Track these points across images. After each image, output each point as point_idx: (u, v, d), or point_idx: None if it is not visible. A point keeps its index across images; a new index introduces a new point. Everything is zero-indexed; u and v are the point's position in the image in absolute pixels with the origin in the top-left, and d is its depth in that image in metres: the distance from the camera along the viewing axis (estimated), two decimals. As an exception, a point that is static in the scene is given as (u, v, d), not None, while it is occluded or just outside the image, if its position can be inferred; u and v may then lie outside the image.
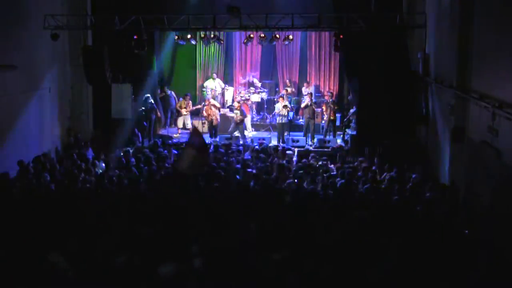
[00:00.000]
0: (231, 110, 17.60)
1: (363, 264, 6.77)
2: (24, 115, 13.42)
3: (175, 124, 18.34)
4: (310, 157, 13.30)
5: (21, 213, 8.68)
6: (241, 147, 14.27)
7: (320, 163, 12.75)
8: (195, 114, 17.92)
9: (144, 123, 16.38)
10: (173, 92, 18.27)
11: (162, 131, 17.65)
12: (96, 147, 14.43)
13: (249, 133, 17.21)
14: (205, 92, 18.85)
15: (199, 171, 10.16)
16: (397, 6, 14.63)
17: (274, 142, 16.21)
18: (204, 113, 17.06)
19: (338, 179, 10.90)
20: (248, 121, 17.31)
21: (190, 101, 17.82)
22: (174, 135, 17.41)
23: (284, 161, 12.67)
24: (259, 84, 18.90)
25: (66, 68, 15.84)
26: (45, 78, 14.53)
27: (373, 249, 7.19)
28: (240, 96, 18.12)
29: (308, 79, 19.24)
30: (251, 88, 18.78)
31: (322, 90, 19.32)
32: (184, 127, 17.63)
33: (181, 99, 17.69)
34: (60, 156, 14.15)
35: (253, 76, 19.10)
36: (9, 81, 12.50)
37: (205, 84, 19.05)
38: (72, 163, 12.40)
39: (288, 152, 13.83)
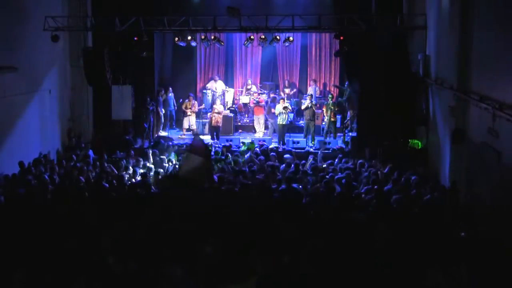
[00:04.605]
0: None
1: (361, 264, 6.77)
2: (25, 117, 13.43)
3: (175, 126, 18.41)
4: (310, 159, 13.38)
5: (21, 214, 8.69)
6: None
7: (325, 165, 12.83)
8: (197, 115, 17.92)
9: (144, 124, 16.38)
10: (172, 94, 18.30)
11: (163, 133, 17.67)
12: (97, 148, 14.46)
13: (257, 134, 17.35)
14: (206, 94, 18.87)
15: (200, 182, 9.64)
16: (397, 8, 14.64)
17: (274, 143, 16.20)
18: (208, 115, 17.29)
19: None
20: (258, 124, 17.41)
21: (195, 101, 17.85)
22: (179, 136, 17.46)
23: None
24: (254, 89, 18.85)
25: (67, 70, 15.86)
26: (45, 79, 14.54)
27: (371, 249, 7.20)
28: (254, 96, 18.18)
29: (314, 78, 19.20)
30: (251, 89, 18.81)
31: (322, 91, 19.32)
32: (189, 128, 17.67)
33: (186, 100, 17.67)
34: (60, 157, 14.16)
35: (252, 82, 19.11)
36: (10, 82, 12.51)
37: (208, 86, 19.09)
38: (72, 165, 12.43)
39: (286, 155, 13.82)
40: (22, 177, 11.37)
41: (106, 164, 12.53)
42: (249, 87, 18.93)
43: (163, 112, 17.78)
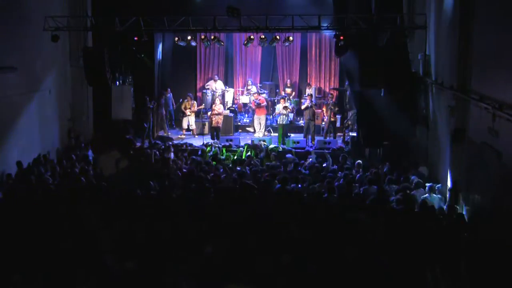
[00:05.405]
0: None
1: (361, 264, 6.77)
2: (25, 117, 13.43)
3: (175, 126, 18.43)
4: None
5: (21, 213, 8.69)
6: None
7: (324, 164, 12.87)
8: (196, 115, 17.93)
9: (144, 124, 16.38)
10: (171, 94, 18.32)
11: (161, 132, 17.66)
12: (97, 148, 14.46)
13: (257, 134, 17.39)
14: (206, 94, 18.89)
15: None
16: (397, 7, 14.60)
17: (274, 143, 16.20)
18: (208, 114, 17.36)
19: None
20: (258, 124, 17.48)
21: (194, 101, 17.89)
22: (179, 136, 17.46)
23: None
24: (254, 89, 18.84)
25: (66, 70, 15.86)
26: (45, 79, 14.55)
27: (370, 250, 7.20)
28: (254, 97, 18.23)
29: (308, 81, 19.26)
30: (251, 90, 18.80)
31: (323, 92, 19.33)
32: (188, 128, 17.68)
33: (185, 100, 17.69)
34: (60, 157, 14.16)
35: (252, 83, 19.10)
36: (10, 82, 12.51)
37: (207, 86, 19.12)
38: (72, 164, 12.43)
39: (288, 155, 13.84)
40: (21, 177, 11.39)
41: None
42: (249, 87, 18.94)
43: (164, 112, 17.80)
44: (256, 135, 17.43)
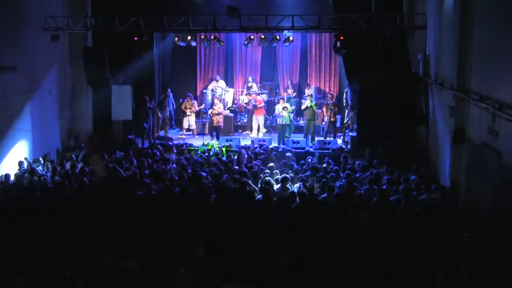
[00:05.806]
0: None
1: (359, 264, 6.78)
2: (25, 117, 13.43)
3: (176, 125, 18.42)
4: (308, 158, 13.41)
5: (21, 214, 8.69)
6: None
7: (324, 165, 12.86)
8: (197, 115, 17.93)
9: (144, 124, 16.38)
10: (171, 94, 18.32)
11: (162, 133, 17.66)
12: (96, 148, 14.45)
13: (253, 133, 17.38)
14: (206, 94, 18.89)
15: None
16: (397, 7, 14.61)
17: (274, 143, 16.20)
18: (209, 112, 17.35)
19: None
20: (256, 124, 17.46)
21: (194, 101, 17.87)
22: (179, 136, 17.44)
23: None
24: (256, 89, 18.83)
25: (67, 70, 15.85)
26: (45, 79, 14.54)
27: (370, 250, 7.20)
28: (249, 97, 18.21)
29: (308, 81, 19.26)
30: (251, 90, 18.79)
31: (323, 91, 19.33)
32: (189, 128, 17.67)
33: (185, 100, 17.69)
34: (60, 157, 14.16)
35: (252, 80, 19.09)
36: (9, 82, 12.51)
37: (209, 87, 19.10)
38: (72, 165, 12.43)
39: (287, 154, 13.83)
40: (21, 177, 11.38)
41: (110, 165, 12.48)
42: (250, 84, 18.91)
43: (168, 113, 17.80)
44: (252, 135, 17.42)
